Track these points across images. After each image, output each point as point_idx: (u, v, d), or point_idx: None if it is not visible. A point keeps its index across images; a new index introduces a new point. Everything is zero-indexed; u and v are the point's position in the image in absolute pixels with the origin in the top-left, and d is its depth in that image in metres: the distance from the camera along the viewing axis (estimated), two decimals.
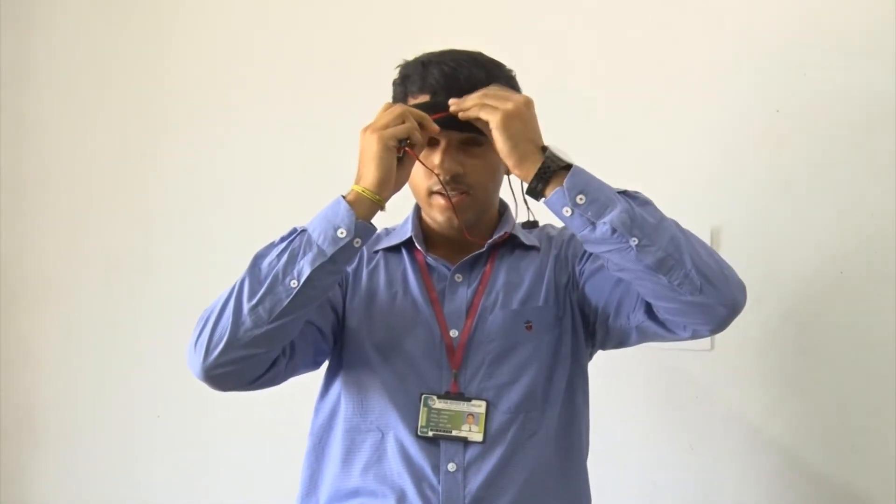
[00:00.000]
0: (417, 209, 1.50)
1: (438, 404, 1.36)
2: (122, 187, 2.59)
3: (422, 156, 1.33)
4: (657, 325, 1.33)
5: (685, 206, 1.91)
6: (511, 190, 1.39)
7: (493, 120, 1.23)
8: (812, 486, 1.81)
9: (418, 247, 1.45)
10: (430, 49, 1.42)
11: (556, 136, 2.03)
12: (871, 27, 1.77)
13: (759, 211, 1.86)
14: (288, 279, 1.24)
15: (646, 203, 1.26)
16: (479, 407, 1.36)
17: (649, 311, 1.32)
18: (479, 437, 1.34)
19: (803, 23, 1.84)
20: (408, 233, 1.47)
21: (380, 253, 1.49)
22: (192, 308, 2.38)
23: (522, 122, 1.24)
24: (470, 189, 1.39)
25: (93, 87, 2.64)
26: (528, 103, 1.27)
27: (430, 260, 1.45)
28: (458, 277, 1.44)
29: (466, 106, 1.27)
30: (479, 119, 1.26)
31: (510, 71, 1.43)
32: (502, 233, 1.46)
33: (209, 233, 2.47)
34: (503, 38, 2.13)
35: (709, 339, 1.88)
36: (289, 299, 1.24)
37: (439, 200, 1.39)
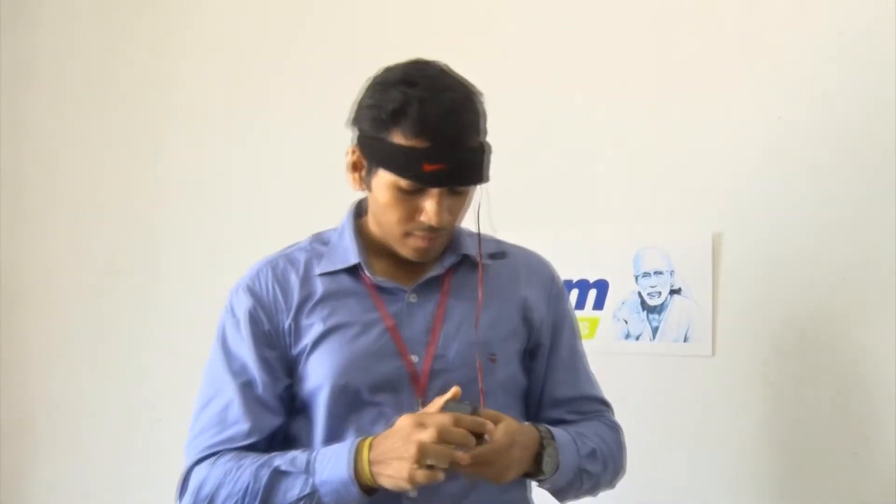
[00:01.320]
0: (355, 221, 1.43)
1: None
2: (122, 188, 2.59)
3: (409, 194, 1.29)
4: None
5: (686, 212, 1.92)
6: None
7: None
8: (812, 493, 1.81)
9: (366, 273, 1.38)
10: (417, 49, 1.37)
11: (557, 137, 2.04)
12: (872, 34, 1.76)
13: (760, 217, 1.85)
14: None
15: (596, 478, 1.41)
16: None
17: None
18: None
19: (804, 29, 1.83)
20: (350, 257, 1.38)
21: (317, 279, 1.39)
22: (192, 308, 2.43)
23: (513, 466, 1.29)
24: (448, 229, 1.35)
25: (93, 87, 2.64)
26: (510, 464, 1.28)
27: (379, 282, 1.38)
28: (413, 298, 1.38)
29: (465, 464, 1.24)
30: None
31: (483, 103, 1.35)
32: (459, 257, 1.41)
33: (210, 233, 2.47)
34: (503, 37, 2.13)
35: (710, 344, 1.87)
36: None
37: (417, 242, 1.34)
